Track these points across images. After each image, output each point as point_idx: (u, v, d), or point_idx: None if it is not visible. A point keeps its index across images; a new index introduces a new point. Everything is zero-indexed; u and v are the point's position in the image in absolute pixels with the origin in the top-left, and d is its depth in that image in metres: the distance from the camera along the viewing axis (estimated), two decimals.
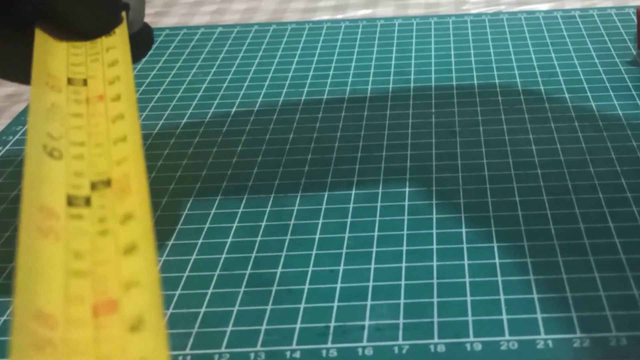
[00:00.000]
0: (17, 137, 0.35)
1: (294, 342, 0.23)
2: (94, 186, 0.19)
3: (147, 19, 0.48)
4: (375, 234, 0.27)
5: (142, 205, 0.19)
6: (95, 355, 0.16)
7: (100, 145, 0.20)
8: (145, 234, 0.18)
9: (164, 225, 0.28)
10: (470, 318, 0.23)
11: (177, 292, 0.25)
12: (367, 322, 0.23)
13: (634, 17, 0.42)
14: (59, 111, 0.21)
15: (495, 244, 0.26)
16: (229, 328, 0.23)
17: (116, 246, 0.18)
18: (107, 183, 0.19)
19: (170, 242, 0.27)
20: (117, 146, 0.20)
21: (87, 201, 0.19)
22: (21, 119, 0.37)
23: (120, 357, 0.16)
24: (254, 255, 0.26)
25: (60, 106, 0.21)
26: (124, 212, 0.19)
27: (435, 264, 0.25)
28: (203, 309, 0.24)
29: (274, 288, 0.25)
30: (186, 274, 0.26)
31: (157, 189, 0.30)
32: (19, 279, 0.17)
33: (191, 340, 0.23)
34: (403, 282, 0.25)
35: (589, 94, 0.35)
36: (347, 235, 0.27)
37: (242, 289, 0.25)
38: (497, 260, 0.25)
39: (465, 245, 0.26)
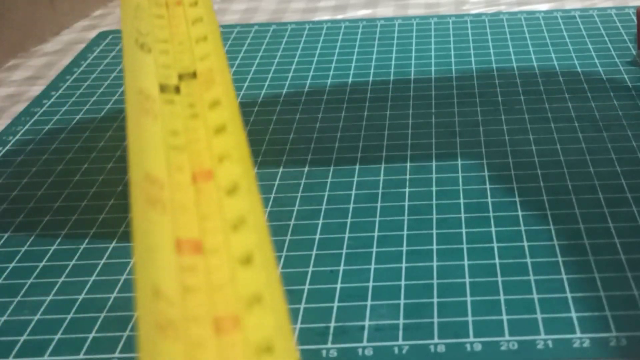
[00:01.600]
0: (17, 137, 0.35)
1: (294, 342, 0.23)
2: (181, 77, 0.21)
3: None
4: (375, 234, 0.27)
5: (228, 93, 0.21)
6: (197, 214, 0.18)
7: (182, 43, 0.22)
8: (233, 116, 0.20)
9: None
10: (470, 318, 0.23)
11: None
12: (367, 322, 0.23)
13: (634, 18, 0.42)
14: (143, 11, 0.23)
15: (495, 244, 0.26)
16: None
17: (206, 128, 0.20)
18: (193, 75, 0.21)
19: None
20: (198, 45, 0.22)
21: (177, 89, 0.21)
22: (21, 119, 0.37)
23: (218, 216, 0.18)
24: None
25: (144, 8, 0.23)
26: (211, 99, 0.21)
27: (435, 264, 0.25)
28: None
29: None
30: None
31: None
32: (130, 148, 0.19)
33: None
34: (403, 283, 0.25)
35: (589, 94, 0.35)
36: (347, 235, 0.27)
37: None
38: (497, 261, 0.25)
39: (465, 246, 0.26)
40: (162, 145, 0.19)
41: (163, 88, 0.21)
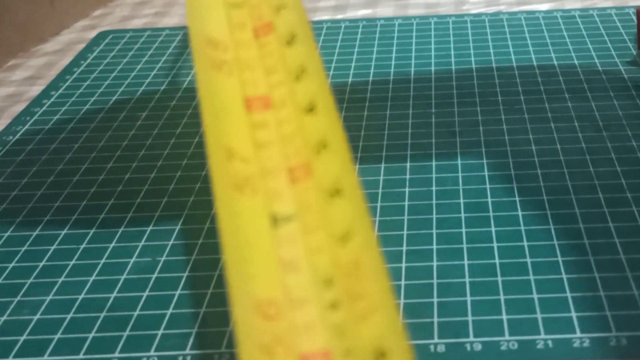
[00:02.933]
0: (17, 137, 0.35)
1: None
2: None
3: (146, 19, 0.49)
4: (375, 233, 0.27)
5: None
6: (262, 69, 0.18)
7: None
8: (302, 22, 0.20)
9: (164, 225, 0.28)
10: (470, 318, 0.23)
11: (177, 292, 0.25)
12: None
13: (634, 17, 0.42)
14: None
15: (495, 244, 0.26)
16: (229, 328, 0.23)
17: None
18: None
19: (170, 243, 0.27)
20: None
21: None
22: (21, 119, 0.37)
23: (282, 68, 0.18)
24: None
25: None
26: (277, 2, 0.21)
27: (435, 264, 0.25)
28: (203, 309, 0.24)
29: None
30: (186, 274, 0.26)
31: (155, 189, 0.30)
32: (188, 15, 0.19)
33: (191, 340, 0.23)
34: (403, 282, 0.25)
35: (589, 94, 0.35)
36: None
37: None
38: (497, 260, 0.25)
39: (465, 245, 0.26)
40: (222, 5, 0.20)
41: None
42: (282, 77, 0.18)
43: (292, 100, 0.18)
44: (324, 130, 0.17)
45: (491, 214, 0.27)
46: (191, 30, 0.19)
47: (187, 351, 0.23)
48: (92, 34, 0.46)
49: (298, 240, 0.16)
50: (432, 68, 0.38)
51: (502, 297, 0.24)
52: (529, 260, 0.25)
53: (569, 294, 0.24)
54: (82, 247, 0.27)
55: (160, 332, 0.23)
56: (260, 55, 0.18)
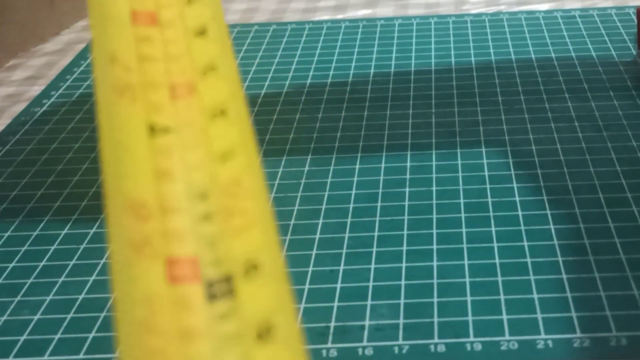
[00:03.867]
0: (17, 137, 0.35)
1: None
2: None
3: None
4: (375, 234, 0.27)
5: None
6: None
7: None
8: None
9: None
10: (470, 318, 0.23)
11: None
12: (367, 322, 0.23)
13: (634, 17, 0.42)
14: None
15: (495, 244, 0.26)
16: None
17: None
18: None
19: None
20: None
21: None
22: (21, 119, 0.37)
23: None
24: None
25: None
26: None
27: (435, 264, 0.25)
28: None
29: None
30: None
31: None
32: None
33: None
34: (403, 282, 0.25)
35: (589, 94, 0.35)
36: (347, 235, 0.27)
37: None
38: (497, 260, 0.25)
39: (465, 245, 0.26)
40: None
41: None
42: None
43: (182, 21, 0.18)
44: (214, 54, 0.18)
45: (491, 214, 0.27)
46: None
47: None
48: None
49: (175, 152, 0.16)
50: (432, 68, 0.38)
51: (502, 297, 0.24)
52: (529, 260, 0.25)
53: (569, 294, 0.24)
54: (82, 247, 0.27)
55: None
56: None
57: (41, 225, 0.29)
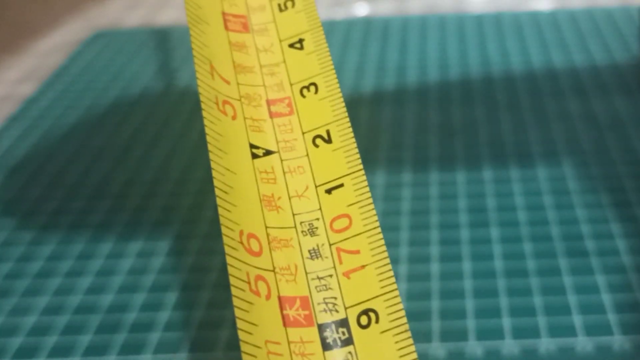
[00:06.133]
0: (15, 137, 0.35)
1: None
2: None
3: (141, 18, 0.48)
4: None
5: None
6: None
7: None
8: None
9: (164, 225, 0.28)
10: (470, 322, 0.23)
11: (175, 293, 0.25)
12: None
13: (636, 17, 0.42)
14: None
15: (495, 246, 0.26)
16: (228, 330, 0.23)
17: None
18: None
19: (170, 243, 0.27)
20: None
21: None
22: (18, 119, 0.36)
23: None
24: None
25: None
26: None
27: (435, 266, 0.25)
28: (202, 311, 0.24)
29: None
30: (185, 275, 0.26)
31: (156, 189, 0.30)
32: None
33: (189, 342, 0.23)
34: (402, 284, 0.24)
35: (589, 94, 0.35)
36: None
37: None
38: (498, 263, 0.25)
39: (465, 247, 0.26)
40: None
41: None
42: (263, 1, 0.18)
43: (275, 30, 0.18)
44: (313, 64, 0.17)
45: (491, 214, 0.27)
46: None
47: (186, 353, 0.22)
48: (90, 33, 0.46)
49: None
50: (432, 68, 0.38)
51: (503, 301, 0.23)
52: (530, 262, 0.25)
53: (571, 297, 0.23)
54: (81, 247, 0.27)
55: (157, 334, 0.23)
56: None
57: (40, 226, 0.29)
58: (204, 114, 0.16)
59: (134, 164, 0.32)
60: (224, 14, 0.17)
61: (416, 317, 0.23)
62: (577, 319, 0.22)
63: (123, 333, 0.23)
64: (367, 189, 0.16)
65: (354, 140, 0.16)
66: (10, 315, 0.24)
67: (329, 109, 0.17)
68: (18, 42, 0.45)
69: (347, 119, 0.17)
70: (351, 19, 0.45)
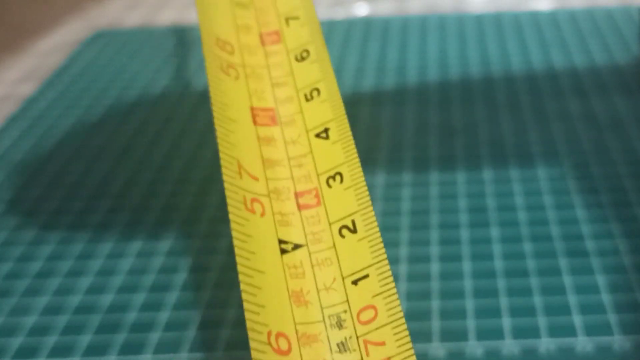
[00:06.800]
0: (15, 137, 0.35)
1: None
2: None
3: (141, 18, 0.48)
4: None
5: None
6: (269, 80, 0.17)
7: None
8: (315, 38, 0.19)
9: (164, 225, 0.28)
10: (470, 322, 0.23)
11: (175, 293, 0.25)
12: None
13: (636, 17, 0.42)
14: None
15: (495, 246, 0.26)
16: (228, 330, 0.23)
17: None
18: None
19: (170, 244, 0.27)
20: None
21: None
22: (18, 119, 0.36)
23: (290, 81, 0.18)
24: None
25: None
26: None
27: (435, 266, 0.25)
28: (202, 311, 0.24)
29: None
30: (185, 275, 0.26)
31: (156, 189, 0.30)
32: (199, 10, 0.18)
33: (189, 342, 0.23)
34: (402, 285, 0.24)
35: (589, 94, 0.35)
36: None
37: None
38: (498, 263, 0.25)
39: (465, 247, 0.26)
40: (228, 3, 0.19)
41: None
42: (290, 92, 0.18)
43: (302, 120, 0.18)
44: (337, 154, 0.17)
45: (491, 215, 0.27)
46: (201, 29, 0.19)
47: (185, 353, 0.22)
48: (89, 32, 0.46)
49: (306, 264, 0.16)
50: (432, 68, 0.38)
51: (503, 301, 0.23)
52: (529, 262, 0.25)
53: (571, 297, 0.23)
54: (81, 247, 0.27)
55: (157, 334, 0.23)
56: (266, 65, 0.18)
57: (40, 226, 0.29)
58: (231, 216, 0.16)
59: (134, 164, 0.32)
60: (252, 109, 0.17)
61: (416, 317, 0.23)
62: (577, 319, 0.22)
63: (123, 333, 0.23)
64: (391, 278, 0.16)
65: (377, 229, 0.17)
66: (10, 315, 0.24)
67: (353, 198, 0.17)
68: (18, 42, 0.45)
69: (371, 208, 0.17)
70: (351, 19, 0.45)
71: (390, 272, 0.16)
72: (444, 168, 0.30)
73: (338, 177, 0.17)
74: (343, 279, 0.16)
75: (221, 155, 0.16)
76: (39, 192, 0.31)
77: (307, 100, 0.18)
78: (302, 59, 0.18)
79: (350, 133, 0.17)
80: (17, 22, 0.45)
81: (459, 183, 0.29)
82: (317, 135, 0.17)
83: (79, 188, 0.31)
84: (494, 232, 0.26)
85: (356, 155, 0.17)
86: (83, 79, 0.40)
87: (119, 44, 0.44)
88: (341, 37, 0.42)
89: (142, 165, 0.32)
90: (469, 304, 0.23)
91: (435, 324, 0.23)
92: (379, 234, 0.16)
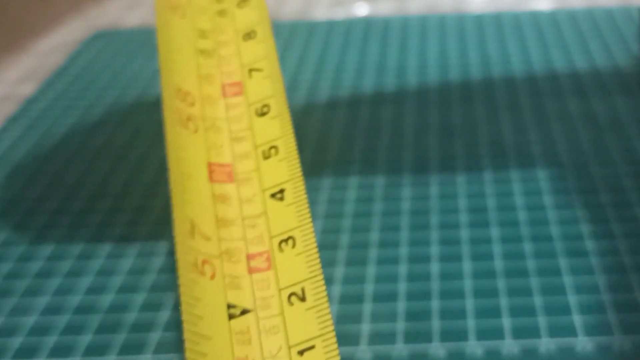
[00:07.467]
0: (15, 137, 0.35)
1: None
2: None
3: (141, 18, 0.48)
4: (375, 235, 0.27)
5: None
6: (228, 134, 0.17)
7: None
8: (262, 20, 0.19)
9: (164, 226, 0.28)
10: (470, 322, 0.23)
11: (175, 293, 0.25)
12: (365, 326, 0.23)
13: (636, 17, 0.42)
14: None
15: (495, 246, 0.26)
16: None
17: (235, 29, 0.19)
18: None
19: (169, 244, 0.27)
20: None
21: None
22: (18, 119, 0.36)
23: (249, 135, 0.17)
24: None
25: None
26: None
27: (435, 267, 0.25)
28: None
29: None
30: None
31: (156, 189, 0.30)
32: (161, 58, 0.18)
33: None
34: (402, 285, 0.24)
35: (589, 94, 0.35)
36: (346, 236, 0.27)
37: None
38: (497, 263, 0.25)
39: (465, 248, 0.26)
40: (191, 50, 0.18)
41: None
42: (248, 148, 0.17)
43: (258, 179, 0.17)
44: (291, 217, 0.17)
45: (491, 215, 0.27)
46: (162, 80, 0.18)
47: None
48: (89, 32, 0.46)
49: (248, 286, 0.15)
50: (432, 68, 0.38)
51: (503, 301, 0.23)
52: (529, 263, 0.25)
53: (571, 297, 0.23)
54: (81, 247, 0.27)
55: (157, 334, 0.23)
56: (226, 118, 0.17)
57: (40, 226, 0.29)
58: (181, 279, 0.15)
59: (134, 164, 0.32)
60: (209, 164, 0.17)
61: (416, 317, 0.23)
62: (577, 319, 0.22)
63: (123, 333, 0.23)
64: (337, 351, 0.16)
65: (326, 299, 0.16)
66: (10, 315, 0.24)
67: (304, 265, 0.16)
68: (18, 42, 0.45)
69: (322, 277, 0.16)
70: (351, 19, 0.45)
71: (336, 345, 0.16)
72: (444, 168, 0.30)
73: (290, 242, 0.16)
74: (289, 348, 0.15)
75: (174, 214, 0.16)
76: (39, 192, 0.31)
77: (264, 158, 0.17)
78: (263, 114, 0.17)
79: (305, 195, 0.17)
80: (17, 22, 0.45)
81: (459, 183, 0.29)
82: (273, 196, 0.17)
83: (79, 188, 0.31)
84: (494, 232, 0.26)
85: (310, 219, 0.16)
86: (83, 79, 0.40)
87: (119, 44, 0.44)
88: (341, 37, 0.42)
89: (142, 165, 0.32)
90: (469, 304, 0.23)
91: (435, 324, 0.23)
92: (327, 304, 0.16)
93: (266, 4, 0.19)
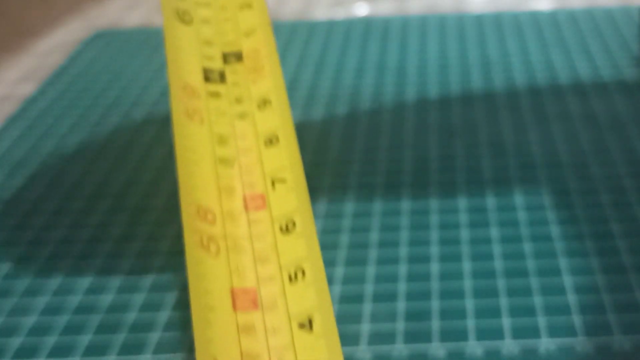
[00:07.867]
0: (15, 137, 0.35)
1: None
2: (225, 59, 0.19)
3: (141, 18, 0.48)
4: (375, 235, 0.27)
5: (278, 91, 0.18)
6: (252, 254, 0.16)
7: (225, 8, 0.20)
8: (285, 124, 0.18)
9: (164, 226, 0.28)
10: (470, 322, 0.23)
11: (175, 293, 0.25)
12: (365, 326, 0.23)
13: (636, 17, 0.42)
14: None
15: (495, 247, 0.26)
16: None
17: (256, 134, 0.18)
18: (239, 57, 0.19)
19: (169, 244, 0.27)
20: (242, 12, 0.20)
21: (222, 76, 0.19)
22: (18, 119, 0.36)
23: (274, 256, 0.16)
24: None
25: None
26: (260, 96, 0.18)
27: (435, 267, 0.25)
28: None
29: None
30: (185, 274, 0.26)
31: (155, 190, 0.30)
32: (180, 172, 0.17)
33: (189, 342, 0.23)
34: (402, 285, 0.24)
35: (589, 94, 0.35)
36: (346, 236, 0.27)
37: None
38: (497, 263, 0.25)
39: (465, 248, 0.26)
40: (210, 160, 0.17)
41: (207, 75, 0.18)
42: (273, 271, 0.16)
43: (283, 305, 0.16)
44: (321, 350, 0.15)
45: (491, 215, 0.27)
46: (181, 197, 0.16)
47: (186, 353, 0.22)
48: (89, 33, 0.46)
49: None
50: (432, 68, 0.38)
51: (503, 301, 0.23)
52: (529, 263, 0.25)
53: (571, 297, 0.23)
54: (81, 247, 0.27)
55: (157, 334, 0.23)
56: (249, 236, 0.16)
57: (39, 226, 0.29)
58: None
59: (134, 164, 0.32)
60: (232, 290, 0.15)
61: (416, 317, 0.23)
62: (577, 319, 0.22)
63: (123, 333, 0.23)
64: None
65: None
66: (10, 315, 0.24)
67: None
68: (18, 42, 0.45)
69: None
70: (351, 19, 0.45)
71: None
72: (444, 168, 0.30)
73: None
74: None
75: (197, 355, 0.15)
76: (39, 192, 0.31)
77: (290, 281, 0.16)
78: (288, 231, 0.16)
79: (335, 324, 0.16)
80: (17, 22, 0.45)
81: (459, 183, 0.29)
82: (301, 326, 0.16)
83: (79, 188, 0.31)
84: (494, 232, 0.26)
85: (341, 354, 0.15)
86: (83, 79, 0.40)
87: (119, 44, 0.44)
88: (341, 37, 0.42)
89: (142, 165, 0.32)
90: (469, 304, 0.23)
91: (435, 324, 0.23)
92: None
93: (287, 101, 0.18)
